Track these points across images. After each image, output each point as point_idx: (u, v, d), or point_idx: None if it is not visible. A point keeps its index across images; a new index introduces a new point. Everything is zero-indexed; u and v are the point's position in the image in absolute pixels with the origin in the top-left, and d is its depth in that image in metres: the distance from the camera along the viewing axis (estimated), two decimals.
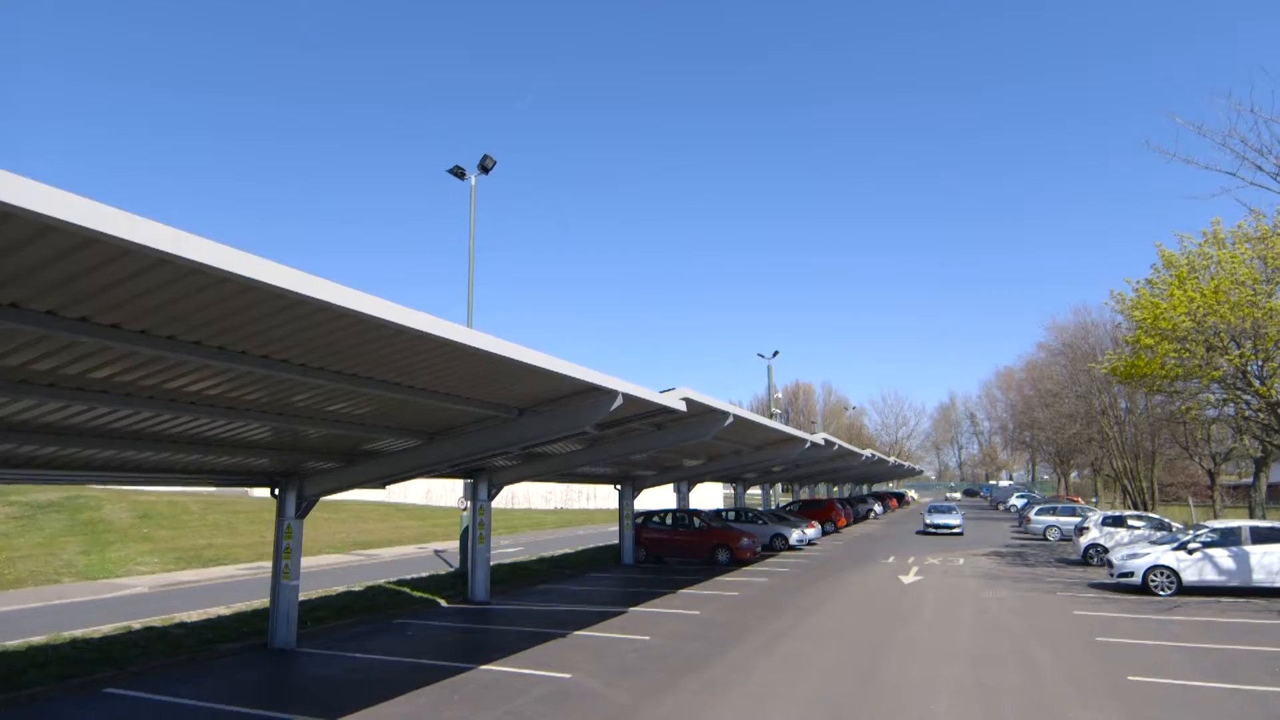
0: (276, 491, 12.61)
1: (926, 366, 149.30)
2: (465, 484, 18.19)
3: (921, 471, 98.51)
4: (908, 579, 20.41)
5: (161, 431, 9.11)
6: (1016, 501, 58.06)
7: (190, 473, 11.35)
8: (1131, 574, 17.60)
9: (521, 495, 53.79)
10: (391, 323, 6.29)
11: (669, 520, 25.45)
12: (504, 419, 10.99)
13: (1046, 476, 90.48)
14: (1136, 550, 18.38)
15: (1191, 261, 20.58)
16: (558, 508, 54.29)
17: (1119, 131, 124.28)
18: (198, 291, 5.32)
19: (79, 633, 12.10)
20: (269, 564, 18.27)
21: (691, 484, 28.92)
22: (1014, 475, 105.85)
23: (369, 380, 8.24)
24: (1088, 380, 48.44)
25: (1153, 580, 17.30)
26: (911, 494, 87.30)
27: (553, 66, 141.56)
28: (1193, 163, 15.39)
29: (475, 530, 17.16)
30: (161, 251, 4.34)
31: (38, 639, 11.58)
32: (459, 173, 20.70)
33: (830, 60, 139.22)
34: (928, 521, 35.93)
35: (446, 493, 50.60)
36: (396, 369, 8.08)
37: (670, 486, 27.79)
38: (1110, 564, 18.58)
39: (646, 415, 13.42)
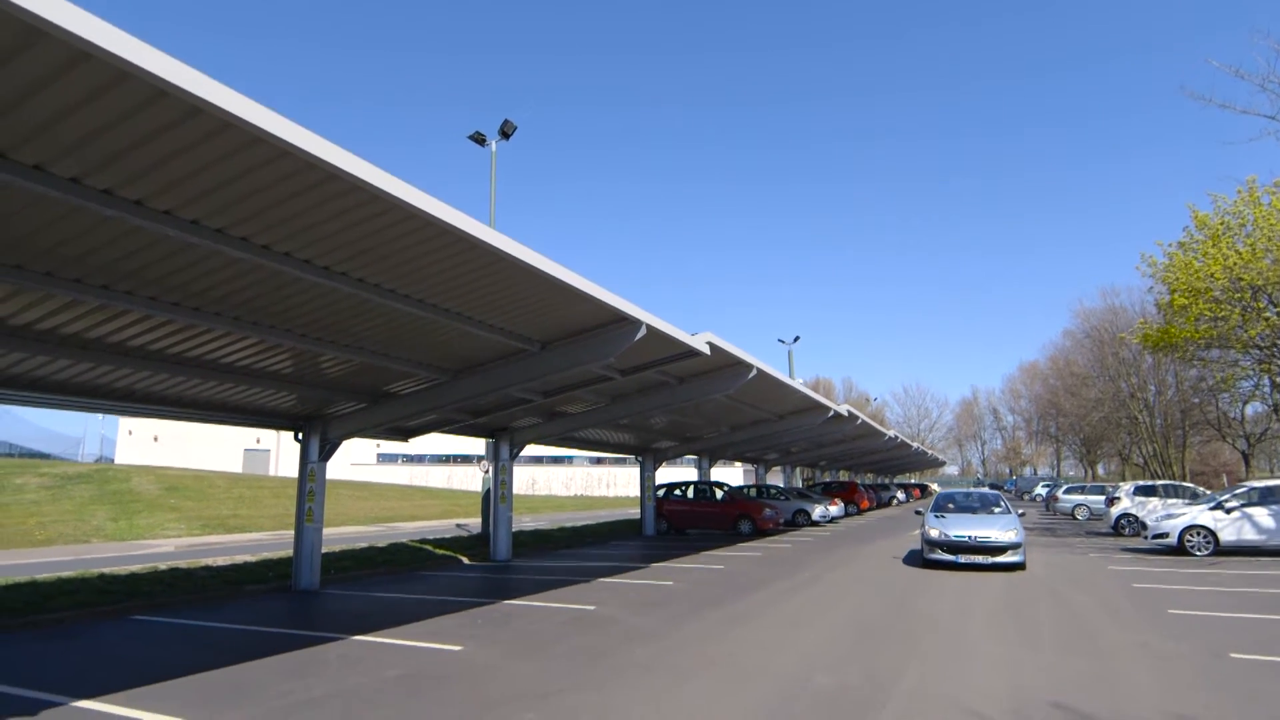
0: (300, 436, 12.62)
1: (947, 364, 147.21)
2: (487, 443, 18.16)
3: (944, 462, 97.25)
4: None
5: (184, 353, 9.13)
6: (1042, 491, 57.19)
7: (214, 408, 11.39)
8: (1166, 534, 17.18)
9: (542, 481, 53.87)
10: (423, 211, 6.22)
11: (691, 492, 25.29)
12: (527, 353, 10.90)
13: (1072, 471, 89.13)
14: (1172, 511, 17.94)
15: (1226, 222, 20.06)
16: (578, 494, 54.25)
17: (1146, 118, 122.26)
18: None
19: (107, 570, 12.20)
20: (291, 533, 18.41)
21: (713, 459, 28.75)
22: (1038, 470, 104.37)
23: (391, 293, 8.18)
24: (1115, 363, 47.66)
25: (1189, 540, 16.86)
26: (934, 486, 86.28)
27: (574, 63, 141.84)
28: (1229, 107, 15.01)
29: (497, 490, 17.13)
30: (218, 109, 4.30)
31: (68, 574, 11.69)
32: (479, 139, 20.68)
33: (842, 60, 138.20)
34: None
35: (467, 478, 50.82)
36: (423, 281, 7.98)
37: (688, 467, 27.63)
38: (1144, 526, 18.17)
39: (669, 360, 13.26)
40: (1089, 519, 31.35)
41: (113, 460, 46.12)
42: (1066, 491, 34.67)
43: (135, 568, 12.57)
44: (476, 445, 49.59)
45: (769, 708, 5.66)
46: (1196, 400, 38.56)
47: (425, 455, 52.97)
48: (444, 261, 7.56)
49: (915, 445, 53.89)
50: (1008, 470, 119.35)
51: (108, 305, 7.37)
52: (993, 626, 8.84)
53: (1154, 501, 22.65)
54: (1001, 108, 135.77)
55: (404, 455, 52.93)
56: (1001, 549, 13.88)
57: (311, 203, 6.08)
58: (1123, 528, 22.58)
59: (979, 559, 13.90)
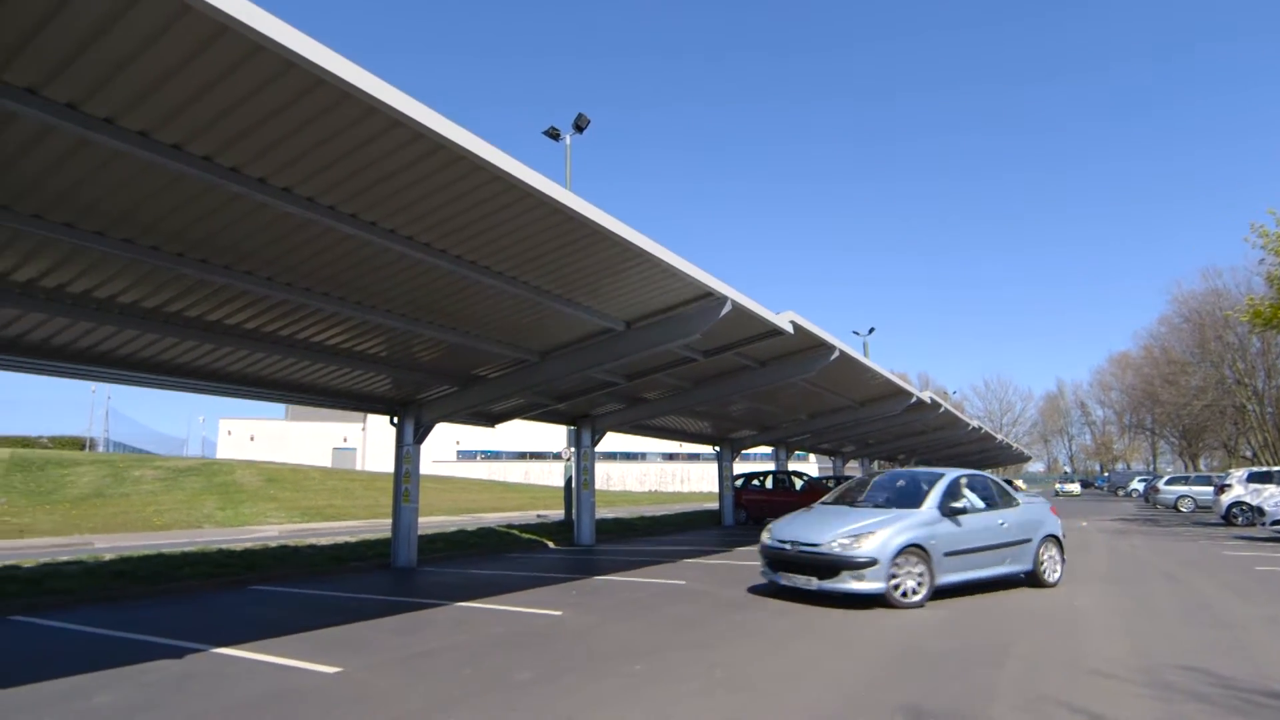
0: (396, 420, 13.13)
1: (1029, 358, 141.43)
2: (568, 430, 18.47)
3: (1030, 457, 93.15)
4: None
5: (292, 335, 9.63)
6: (1138, 486, 54.21)
7: (317, 392, 11.97)
8: None
9: (616, 477, 54.30)
10: (525, 182, 6.40)
11: (769, 482, 25.08)
12: (613, 332, 11.04)
13: (1169, 467, 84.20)
14: None
15: None
16: (652, 489, 54.46)
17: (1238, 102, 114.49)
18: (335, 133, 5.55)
19: (224, 546, 12.98)
20: (383, 520, 19.08)
21: (789, 451, 28.43)
22: (1131, 465, 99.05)
23: (486, 270, 8.43)
24: (1219, 348, 44.89)
25: None
26: (1019, 484, 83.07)
27: (638, 63, 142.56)
28: None
29: (579, 477, 17.40)
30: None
31: (190, 549, 12.50)
32: (554, 134, 21.05)
33: (905, 55, 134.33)
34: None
35: (543, 473, 51.71)
36: (518, 256, 8.18)
37: (762, 462, 27.39)
38: (1260, 513, 17.06)
39: (751, 340, 13.21)
40: (1194, 510, 29.59)
41: (208, 459, 48.90)
42: (1168, 483, 32.80)
43: (248, 545, 13.33)
44: (552, 442, 50.65)
45: (866, 667, 5.61)
46: None
47: (502, 452, 54.17)
48: (540, 235, 7.72)
49: (999, 438, 51.93)
50: (1098, 467, 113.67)
51: (230, 286, 7.84)
52: (1105, 601, 8.46)
53: (1271, 488, 21.17)
54: (1081, 98, 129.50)
55: (482, 452, 54.26)
56: (836, 567, 8.06)
57: (418, 176, 6.33)
58: (1235, 517, 21.23)
59: (800, 580, 8.46)
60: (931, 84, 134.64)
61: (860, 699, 4.75)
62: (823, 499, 10.76)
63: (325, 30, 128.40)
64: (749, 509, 24.46)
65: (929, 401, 24.26)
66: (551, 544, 16.57)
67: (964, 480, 9.42)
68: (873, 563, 7.94)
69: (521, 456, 54.52)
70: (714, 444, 24.57)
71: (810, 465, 53.59)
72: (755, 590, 9.41)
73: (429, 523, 22.27)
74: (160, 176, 5.87)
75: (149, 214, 6.43)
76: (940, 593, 8.43)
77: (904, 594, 8.05)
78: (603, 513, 30.00)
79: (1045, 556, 9.57)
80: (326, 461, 49.46)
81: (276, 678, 5.36)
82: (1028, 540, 9.38)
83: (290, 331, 9.57)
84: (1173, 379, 52.11)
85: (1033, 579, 9.52)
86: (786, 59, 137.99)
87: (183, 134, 5.44)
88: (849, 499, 10.00)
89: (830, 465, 37.38)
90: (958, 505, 8.85)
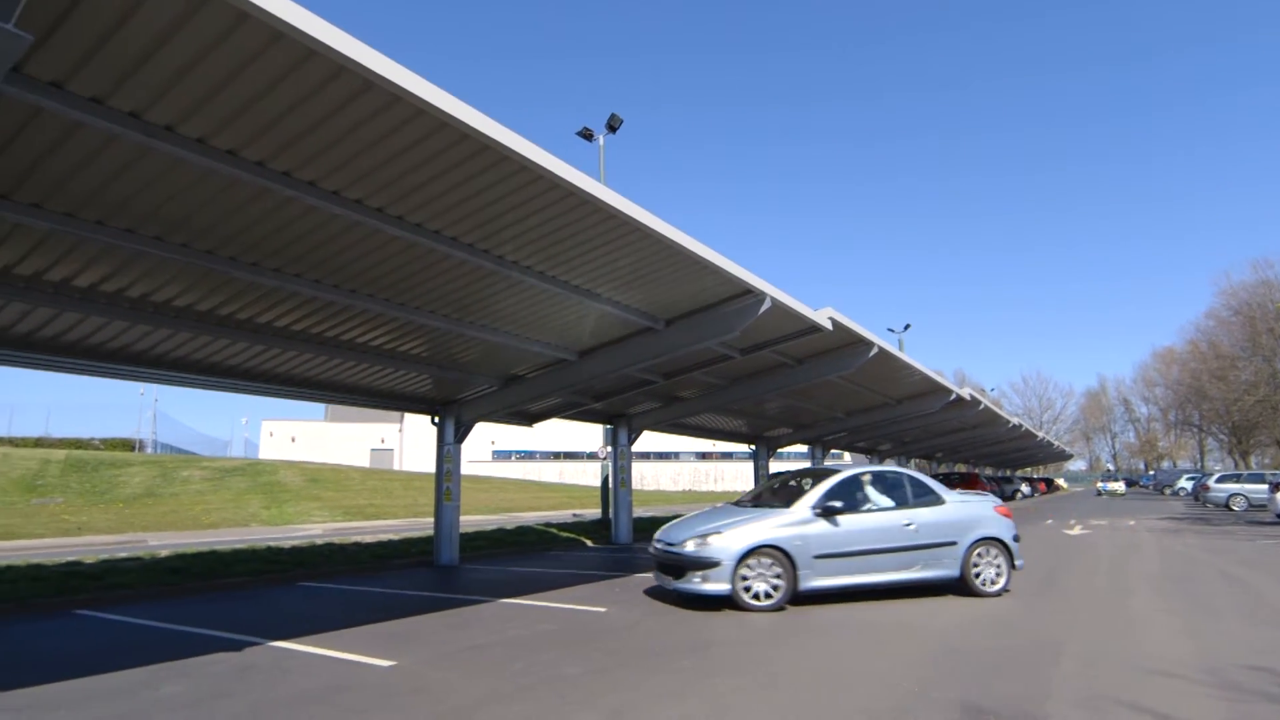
0: (437, 420, 13.31)
1: (1069, 354, 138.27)
2: (604, 429, 18.54)
3: (1071, 455, 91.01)
4: (1073, 533, 18.97)
5: (338, 336, 9.82)
6: (1186, 484, 52.63)
7: (360, 392, 12.18)
8: None
9: (650, 476, 54.34)
10: (566, 180, 6.45)
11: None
12: (651, 330, 11.06)
13: (1219, 465, 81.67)
14: None
15: None
16: (686, 489, 54.42)
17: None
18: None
19: (272, 543, 13.28)
20: (422, 520, 19.35)
21: (825, 449, 28.20)
22: (1177, 463, 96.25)
23: (528, 270, 8.50)
24: (1271, 341, 43.48)
25: None
26: (1061, 482, 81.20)
27: (669, 62, 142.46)
28: None
29: (616, 476, 17.46)
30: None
31: (240, 546, 12.81)
32: (587, 134, 21.13)
33: (938, 49, 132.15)
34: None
35: (577, 473, 51.96)
36: (558, 254, 8.25)
37: (796, 461, 27.17)
38: None
39: (788, 338, 13.13)
40: (1246, 509, 28.68)
41: (252, 459, 50.04)
42: (1219, 480, 31.82)
43: (295, 543, 13.61)
44: (585, 441, 50.85)
45: (909, 661, 5.54)
46: None
47: (536, 452, 54.57)
48: (582, 233, 7.77)
49: (1040, 435, 50.88)
50: (1142, 465, 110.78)
51: (280, 288, 8.02)
52: (1155, 599, 8.26)
53: None
54: (1128, 88, 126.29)
55: (517, 452, 54.73)
56: (685, 568, 8.03)
57: (464, 176, 6.40)
58: None
59: (666, 580, 8.42)
60: (958, 79, 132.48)
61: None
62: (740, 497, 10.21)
63: (357, 31, 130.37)
64: None
65: (968, 398, 23.89)
66: (589, 542, 16.65)
67: (867, 478, 8.87)
68: (716, 563, 7.80)
69: (556, 456, 54.86)
70: (749, 443, 24.47)
71: (846, 464, 53.03)
72: None
73: (468, 521, 22.53)
74: (216, 182, 6.03)
75: (204, 219, 6.61)
76: (820, 598, 8.21)
77: (755, 596, 7.79)
78: (638, 512, 30.06)
79: (982, 562, 8.58)
80: (364, 462, 50.30)
81: (335, 670, 5.47)
82: (951, 543, 8.49)
83: (336, 332, 9.75)
84: (1221, 374, 50.53)
85: (963, 587, 8.57)
86: (809, 56, 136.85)
87: (238, 140, 5.58)
88: (751, 498, 9.68)
89: (867, 463, 36.96)
90: (835, 505, 8.28)
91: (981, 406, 26.48)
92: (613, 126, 20.87)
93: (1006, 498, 44.52)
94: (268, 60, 4.76)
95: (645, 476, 53.50)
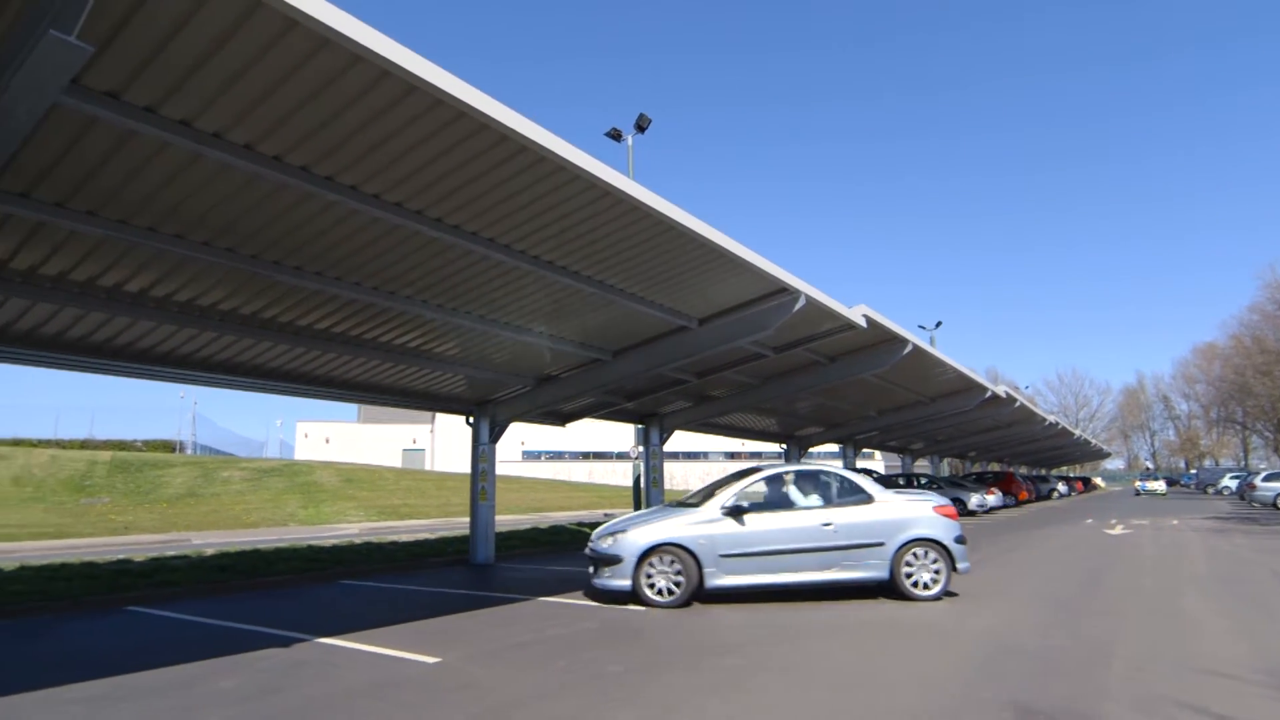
0: (471, 420, 13.43)
1: (1104, 351, 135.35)
2: (636, 429, 18.57)
3: (1109, 453, 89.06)
4: (1114, 532, 18.58)
5: (376, 338, 9.96)
6: (1230, 483, 51.19)
7: (396, 393, 12.34)
8: None
9: (679, 476, 54.26)
10: (602, 179, 6.49)
11: None
12: (685, 330, 11.06)
13: (1263, 464, 79.34)
14: None
15: None
16: None
17: None
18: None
19: (312, 542, 13.51)
20: (454, 519, 19.53)
21: (857, 448, 27.96)
22: (1219, 461, 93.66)
23: (563, 270, 8.55)
24: None
25: None
26: (1098, 481, 79.58)
27: (698, 61, 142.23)
28: None
29: (648, 475, 17.47)
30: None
31: (281, 545, 13.05)
32: (616, 135, 21.17)
33: (976, 43, 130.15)
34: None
35: (607, 472, 52.10)
36: (596, 254, 8.28)
37: (827, 460, 26.98)
38: None
39: (822, 336, 13.05)
40: None
41: (288, 460, 50.95)
42: (1266, 479, 30.97)
43: (334, 542, 13.84)
44: (614, 441, 50.97)
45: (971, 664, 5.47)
46: None
47: (565, 452, 54.81)
48: (617, 233, 7.79)
49: (1077, 433, 49.90)
50: (1183, 463, 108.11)
51: (321, 291, 8.16)
52: (1204, 601, 8.06)
53: None
54: (1155, 84, 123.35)
55: (546, 452, 55.02)
56: (598, 563, 8.46)
57: (502, 177, 6.45)
58: None
59: (591, 575, 8.66)
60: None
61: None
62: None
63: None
64: None
65: (1004, 396, 23.53)
66: None
67: (789, 477, 8.88)
68: (619, 560, 8.12)
69: (585, 456, 55.06)
70: (780, 441, 24.35)
71: (876, 463, 52.57)
72: None
73: (501, 521, 22.70)
74: (262, 187, 6.15)
75: (250, 224, 6.74)
76: (731, 596, 8.29)
77: (658, 592, 8.00)
78: None
79: (916, 565, 8.29)
80: (396, 462, 50.94)
81: (381, 666, 5.56)
82: (878, 544, 8.26)
83: (375, 334, 9.90)
84: (1267, 369, 49.18)
85: (893, 589, 8.31)
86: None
87: (283, 145, 5.68)
88: (693, 496, 9.50)
89: (899, 463, 36.59)
90: (743, 505, 8.35)
91: (1017, 404, 26.07)
92: (641, 126, 20.89)
93: (1043, 497, 43.72)
94: (314, 67, 4.84)
95: (674, 476, 53.42)
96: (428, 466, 52.11)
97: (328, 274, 7.94)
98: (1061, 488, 49.13)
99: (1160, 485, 52.86)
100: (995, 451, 47.10)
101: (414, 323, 9.66)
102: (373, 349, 10.24)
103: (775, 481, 8.79)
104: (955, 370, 18.62)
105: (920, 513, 8.49)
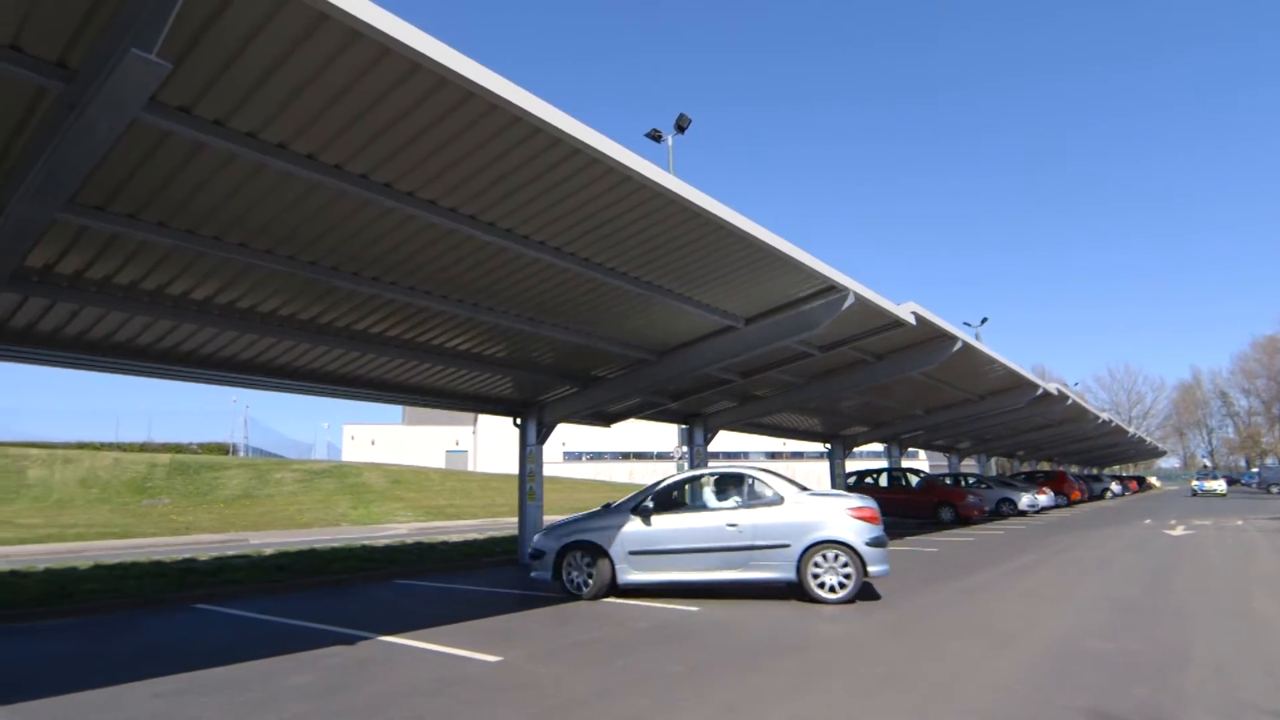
0: (518, 421, 13.57)
1: (1156, 346, 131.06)
2: (679, 429, 18.57)
3: (1164, 452, 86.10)
4: (1175, 533, 17.98)
5: (429, 342, 10.13)
6: None
7: (445, 395, 12.53)
8: None
9: None
10: (651, 180, 6.50)
11: (883, 480, 24.38)
12: (732, 330, 11.02)
13: None
14: None
15: None
16: None
17: None
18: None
19: (365, 542, 13.79)
20: (500, 519, 19.72)
21: (902, 447, 27.55)
22: None
23: (611, 271, 8.59)
24: None
25: None
26: (1153, 480, 77.00)
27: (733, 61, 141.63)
28: None
29: None
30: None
31: (336, 545, 13.35)
32: (656, 135, 21.18)
33: (1023, 37, 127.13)
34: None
35: (647, 472, 52.09)
36: (643, 255, 8.30)
37: (870, 460, 26.61)
38: None
39: (870, 334, 12.89)
40: None
41: (338, 462, 52.07)
42: None
43: (386, 542, 14.11)
44: (654, 442, 51.04)
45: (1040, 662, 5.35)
46: None
47: (605, 453, 55.04)
48: (665, 233, 7.81)
49: (1131, 432, 48.40)
50: (1243, 462, 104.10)
51: (377, 296, 8.33)
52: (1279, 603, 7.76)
53: None
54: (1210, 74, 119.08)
55: (587, 453, 55.34)
56: (533, 557, 9.30)
57: (556, 180, 6.51)
58: None
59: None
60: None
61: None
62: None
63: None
64: None
65: (1055, 393, 22.95)
66: None
67: (704, 479, 9.26)
68: (543, 554, 9.11)
69: (625, 457, 55.23)
70: (824, 441, 24.10)
71: (920, 462, 51.69)
72: (894, 582, 9.15)
73: (547, 521, 22.95)
74: (322, 195, 6.30)
75: (310, 231, 6.91)
76: (642, 592, 8.74)
77: (574, 585, 8.76)
78: None
79: (824, 567, 8.18)
80: (440, 463, 51.70)
81: (444, 665, 5.65)
82: (783, 545, 8.27)
83: (427, 338, 10.06)
84: None
85: (799, 590, 8.25)
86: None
87: (344, 154, 5.81)
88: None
89: (945, 462, 35.93)
90: (650, 505, 8.78)
91: (1070, 402, 25.40)
92: (681, 126, 20.85)
93: (1095, 496, 42.51)
94: (374, 76, 4.95)
95: None
96: (470, 468, 52.80)
97: (383, 279, 8.10)
98: (1115, 487, 47.76)
99: (1220, 484, 50.83)
100: (1044, 450, 45.93)
101: (465, 325, 9.79)
102: (424, 352, 10.42)
103: (691, 483, 9.31)
104: (1005, 367, 18.21)
105: (829, 515, 8.37)
